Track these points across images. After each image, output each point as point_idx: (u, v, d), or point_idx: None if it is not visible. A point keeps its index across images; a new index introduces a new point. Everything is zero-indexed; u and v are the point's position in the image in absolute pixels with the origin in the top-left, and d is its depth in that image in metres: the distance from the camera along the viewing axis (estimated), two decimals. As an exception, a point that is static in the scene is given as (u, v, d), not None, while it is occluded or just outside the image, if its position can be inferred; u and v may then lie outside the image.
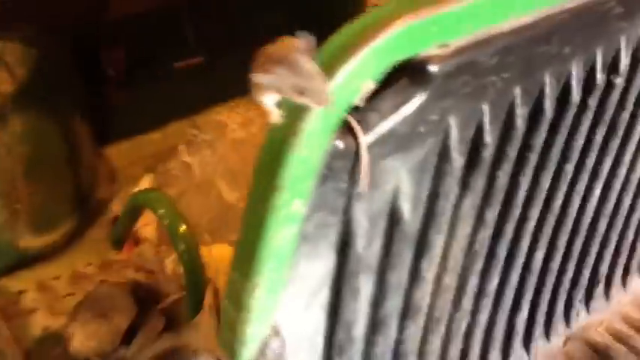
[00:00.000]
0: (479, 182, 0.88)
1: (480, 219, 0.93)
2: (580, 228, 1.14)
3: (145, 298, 1.48)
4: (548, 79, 0.87)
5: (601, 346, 1.26)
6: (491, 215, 0.94)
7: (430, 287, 0.94)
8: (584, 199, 1.10)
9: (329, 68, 0.67)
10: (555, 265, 1.15)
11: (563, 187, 1.04)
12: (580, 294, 1.26)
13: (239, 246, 0.74)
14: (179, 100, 1.86)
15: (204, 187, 1.60)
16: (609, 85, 0.96)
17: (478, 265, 1.00)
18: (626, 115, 1.03)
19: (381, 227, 0.82)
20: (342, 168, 0.74)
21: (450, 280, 0.97)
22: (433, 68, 0.73)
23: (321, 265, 0.81)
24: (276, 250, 0.72)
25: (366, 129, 0.73)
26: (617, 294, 1.32)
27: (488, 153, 0.85)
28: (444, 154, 0.81)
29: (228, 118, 1.72)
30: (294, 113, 0.68)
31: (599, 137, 1.02)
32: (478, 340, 1.12)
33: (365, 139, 0.72)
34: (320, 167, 0.71)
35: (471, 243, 0.95)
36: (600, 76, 0.93)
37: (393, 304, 0.90)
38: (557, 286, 1.20)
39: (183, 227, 1.32)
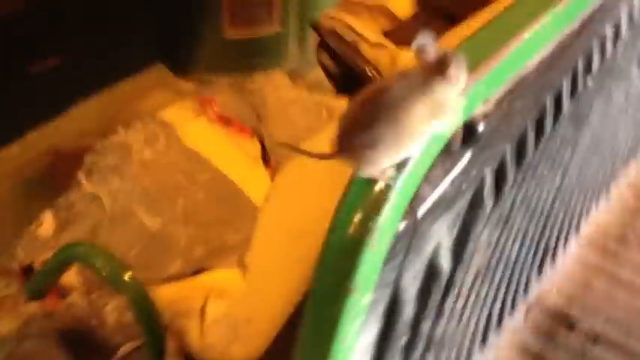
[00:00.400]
0: (496, 214, 0.86)
1: (489, 244, 0.92)
2: (543, 214, 1.17)
3: (80, 351, 1.35)
4: (548, 101, 0.86)
5: (559, 310, 1.33)
6: (495, 237, 0.94)
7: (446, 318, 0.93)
8: (549, 191, 1.13)
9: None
10: (524, 253, 1.18)
11: (540, 187, 1.05)
12: (535, 268, 1.31)
13: (305, 347, 0.67)
14: (36, 107, 1.66)
15: (120, 218, 1.43)
16: (584, 86, 0.97)
17: (480, 283, 0.99)
18: (587, 109, 1.06)
19: (420, 284, 0.78)
20: (401, 247, 0.68)
21: (459, 305, 0.96)
22: (480, 127, 0.69)
23: (368, 336, 0.76)
24: (346, 346, 0.66)
25: (421, 201, 0.68)
26: (560, 256, 1.39)
27: (507, 187, 0.83)
28: (478, 202, 0.78)
29: (129, 137, 1.54)
30: (368, 209, 0.61)
31: (569, 134, 1.04)
32: (467, 342, 1.13)
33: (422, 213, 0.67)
34: (387, 254, 0.65)
35: (480, 267, 0.94)
36: (581, 80, 0.94)
37: (421, 345, 0.88)
38: (522, 269, 1.23)
39: (126, 275, 1.20)
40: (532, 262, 1.28)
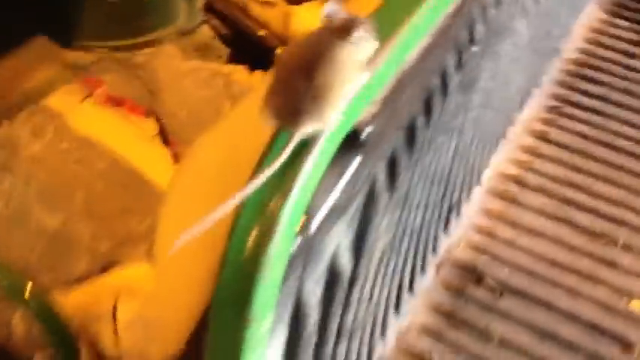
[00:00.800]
0: (394, 200, 0.85)
1: (391, 226, 0.92)
2: (443, 178, 1.18)
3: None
4: (434, 81, 0.84)
5: (467, 263, 1.35)
6: (396, 218, 0.93)
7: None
8: (446, 156, 1.13)
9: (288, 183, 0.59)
10: (428, 217, 1.19)
11: (437, 156, 1.05)
12: (442, 225, 1.33)
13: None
14: None
15: (17, 219, 1.36)
16: (470, 56, 0.96)
17: (386, 261, 1.00)
18: (475, 73, 1.06)
19: (323, 288, 0.77)
20: (299, 262, 0.67)
21: (367, 289, 0.96)
22: (368, 130, 0.67)
23: (276, 349, 0.75)
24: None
25: (314, 212, 0.66)
26: (464, 208, 1.41)
27: (402, 174, 0.82)
28: (373, 197, 0.77)
29: (14, 130, 1.44)
30: (260, 233, 0.59)
31: (460, 101, 1.04)
32: (380, 315, 1.14)
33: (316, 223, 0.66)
34: (284, 273, 0.64)
35: (384, 249, 0.94)
36: (465, 52, 0.93)
37: (332, 339, 0.88)
38: (429, 231, 1.24)
39: (27, 286, 1.16)
40: (438, 221, 1.29)
